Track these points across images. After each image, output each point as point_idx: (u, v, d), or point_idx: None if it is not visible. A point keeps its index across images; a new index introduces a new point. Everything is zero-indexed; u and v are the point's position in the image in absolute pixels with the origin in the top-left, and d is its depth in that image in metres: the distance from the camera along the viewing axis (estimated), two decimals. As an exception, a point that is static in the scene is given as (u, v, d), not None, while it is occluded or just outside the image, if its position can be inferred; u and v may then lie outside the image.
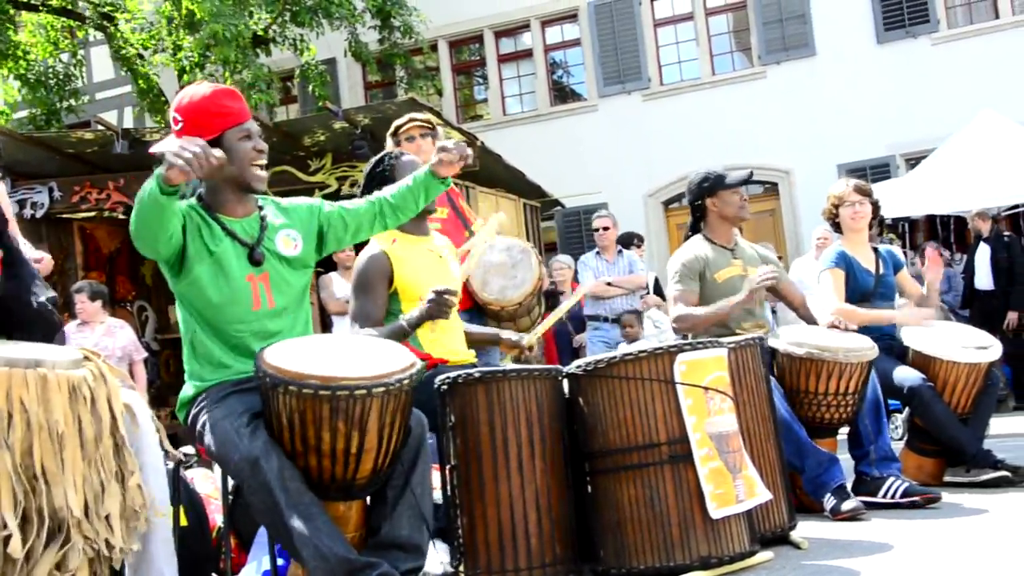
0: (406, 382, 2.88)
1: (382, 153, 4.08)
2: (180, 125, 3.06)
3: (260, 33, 12.53)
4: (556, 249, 14.27)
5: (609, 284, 8.36)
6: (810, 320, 4.83)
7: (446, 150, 3.28)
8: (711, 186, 4.80)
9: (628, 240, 9.21)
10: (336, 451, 2.83)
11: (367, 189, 3.85)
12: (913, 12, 13.35)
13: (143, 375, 8.00)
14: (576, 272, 9.01)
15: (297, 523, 2.74)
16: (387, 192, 3.39)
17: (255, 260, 3.13)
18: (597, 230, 8.66)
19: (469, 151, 3.33)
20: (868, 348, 4.39)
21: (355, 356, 3.04)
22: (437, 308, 3.63)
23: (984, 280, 9.65)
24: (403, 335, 3.65)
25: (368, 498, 3.07)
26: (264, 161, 3.17)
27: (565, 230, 14.57)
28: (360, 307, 3.82)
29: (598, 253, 8.66)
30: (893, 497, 4.26)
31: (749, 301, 4.54)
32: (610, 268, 8.53)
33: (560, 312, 4.67)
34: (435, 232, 4.15)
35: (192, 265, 3.06)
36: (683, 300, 4.68)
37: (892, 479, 4.32)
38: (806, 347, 4.32)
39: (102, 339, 7.45)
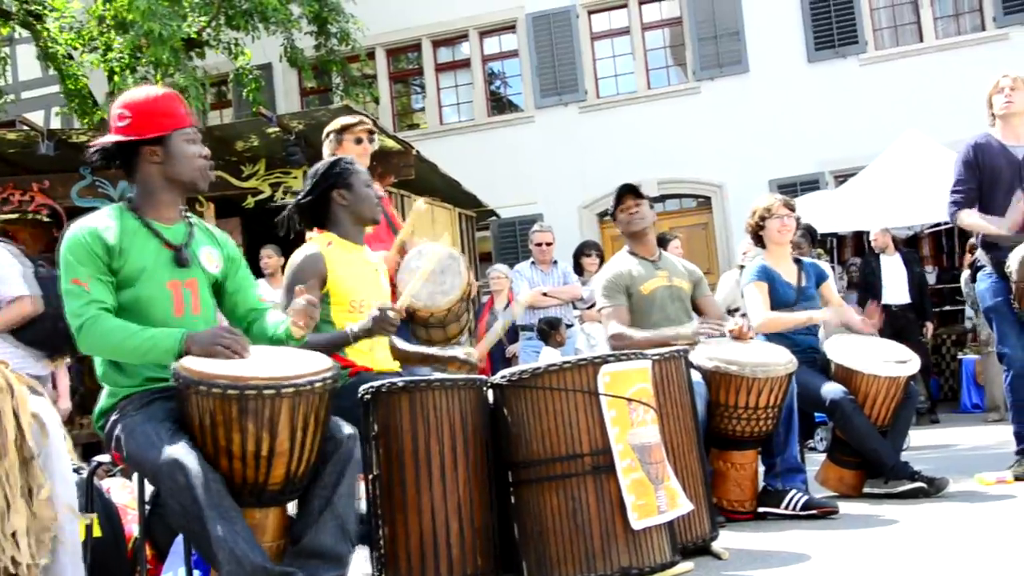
0: (318, 385, 2.86)
1: (337, 156, 4.02)
2: (127, 121, 3.08)
3: (194, 36, 12.34)
4: (491, 259, 14.29)
5: (545, 295, 8.38)
6: (738, 336, 4.78)
7: (300, 314, 3.17)
8: (613, 207, 4.94)
9: (581, 250, 9.22)
10: (247, 453, 2.80)
11: (313, 191, 3.81)
12: (843, 33, 13.66)
13: (66, 382, 7.81)
14: (511, 281, 9.01)
15: (216, 526, 2.70)
16: (267, 315, 3.34)
17: (181, 261, 3.12)
18: (540, 244, 8.68)
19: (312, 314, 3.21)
20: (781, 364, 4.37)
21: (271, 361, 3.02)
22: (381, 325, 3.60)
23: (896, 295, 9.86)
24: (344, 343, 3.61)
25: (291, 508, 3.03)
26: (211, 164, 3.24)
27: (500, 240, 14.60)
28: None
29: (533, 263, 8.68)
30: (794, 509, 4.33)
31: (689, 340, 4.52)
32: (545, 278, 8.56)
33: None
34: (367, 248, 4.09)
35: (115, 267, 3.03)
36: (616, 317, 4.74)
37: (794, 491, 4.39)
38: (716, 361, 4.33)
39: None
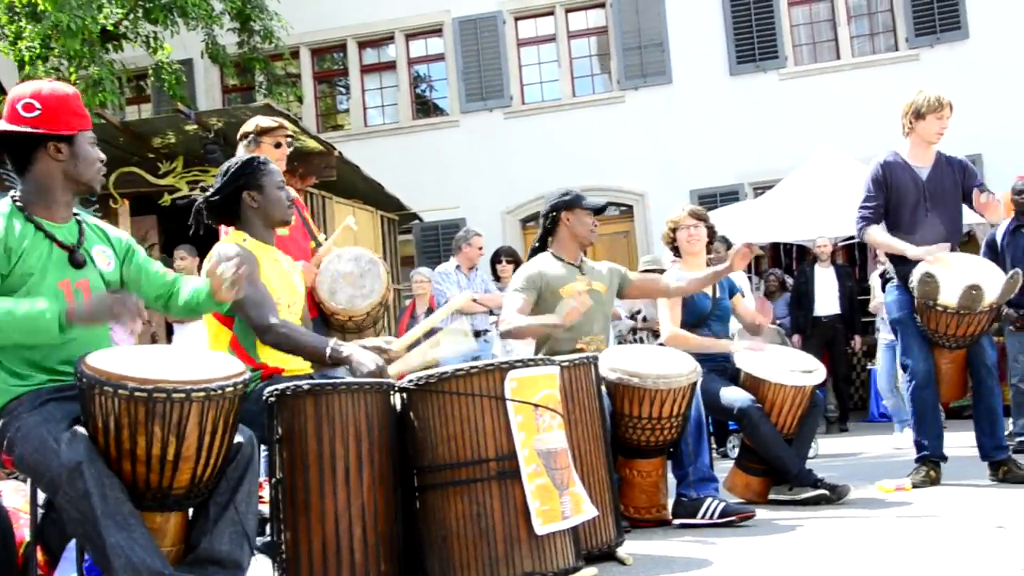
0: (229, 390, 2.83)
1: (251, 156, 3.94)
2: (35, 113, 3.02)
3: (110, 28, 12.05)
4: (413, 263, 14.22)
5: (474, 300, 8.38)
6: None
7: (218, 276, 3.18)
8: (571, 201, 4.86)
9: (497, 256, 9.21)
10: (151, 457, 2.76)
11: (223, 189, 3.74)
12: (763, 48, 13.93)
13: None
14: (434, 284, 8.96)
15: (113, 534, 2.65)
16: (182, 285, 3.33)
17: (76, 262, 3.06)
18: (481, 248, 8.66)
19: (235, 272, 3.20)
20: (684, 374, 4.38)
21: (180, 363, 2.97)
22: (360, 371, 3.51)
23: (827, 306, 10.08)
24: (319, 358, 3.56)
25: (190, 513, 2.98)
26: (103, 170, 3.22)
27: (423, 244, 14.55)
28: (254, 297, 3.57)
29: (458, 267, 8.65)
30: (712, 517, 4.37)
31: (557, 327, 4.50)
32: (469, 283, 8.55)
33: (431, 322, 4.52)
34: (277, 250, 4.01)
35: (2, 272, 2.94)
36: (516, 305, 4.70)
37: (710, 500, 4.43)
38: (618, 372, 4.33)
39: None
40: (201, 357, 3.08)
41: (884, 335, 8.77)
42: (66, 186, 3.10)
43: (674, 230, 5.37)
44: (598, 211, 4.89)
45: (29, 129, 3.01)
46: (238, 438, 2.98)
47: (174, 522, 2.94)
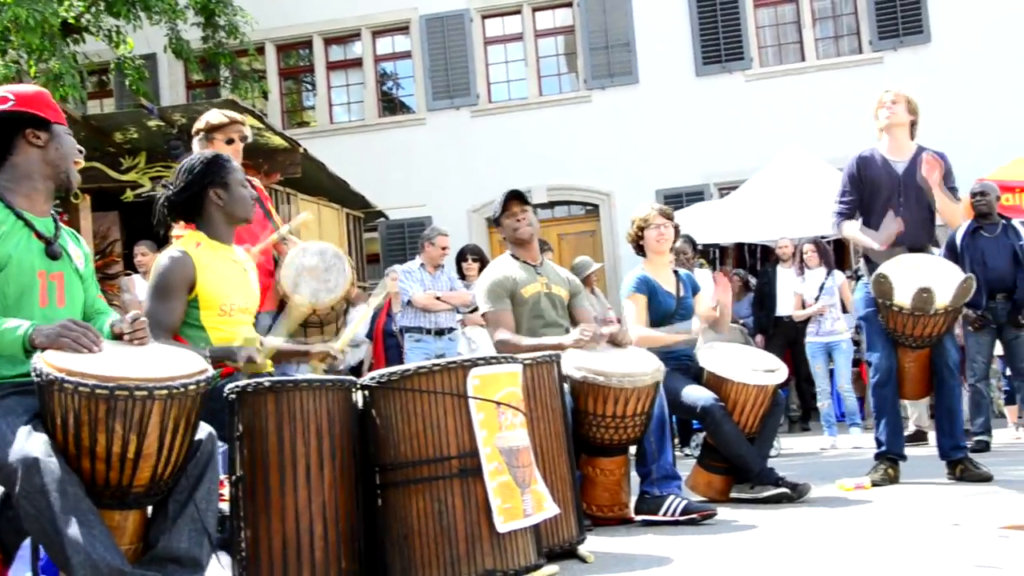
0: (192, 387, 2.80)
1: (215, 153, 3.90)
2: (10, 103, 3.05)
3: (71, 21, 11.90)
4: (379, 260, 14.19)
5: (438, 299, 8.36)
6: (617, 343, 4.76)
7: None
8: (499, 209, 4.93)
9: (462, 254, 9.20)
10: (111, 455, 2.72)
11: (189, 187, 3.70)
12: (729, 49, 14.01)
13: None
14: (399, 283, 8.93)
15: (72, 530, 2.61)
16: (98, 320, 3.25)
17: (53, 254, 3.06)
18: (445, 248, 8.64)
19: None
20: (648, 372, 4.39)
21: (142, 359, 2.93)
22: (247, 364, 3.52)
23: (789, 306, 10.16)
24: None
25: (149, 510, 2.95)
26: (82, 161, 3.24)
27: (388, 242, 14.50)
28: (154, 312, 3.57)
29: (422, 265, 8.62)
30: (673, 515, 4.38)
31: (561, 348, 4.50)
32: (434, 281, 8.53)
33: (366, 315, 4.54)
34: (237, 247, 3.97)
35: None
36: (501, 322, 4.73)
37: (672, 497, 4.44)
38: (583, 371, 4.32)
39: None
40: (164, 354, 3.04)
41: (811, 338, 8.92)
42: (45, 174, 3.10)
43: (642, 228, 5.38)
44: (520, 199, 4.89)
45: (5, 108, 3.02)
46: (199, 435, 2.95)
47: (133, 520, 2.90)
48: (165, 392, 2.74)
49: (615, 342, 4.67)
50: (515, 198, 4.91)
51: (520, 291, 4.80)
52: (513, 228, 4.89)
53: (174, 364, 2.90)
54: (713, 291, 5.52)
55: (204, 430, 2.99)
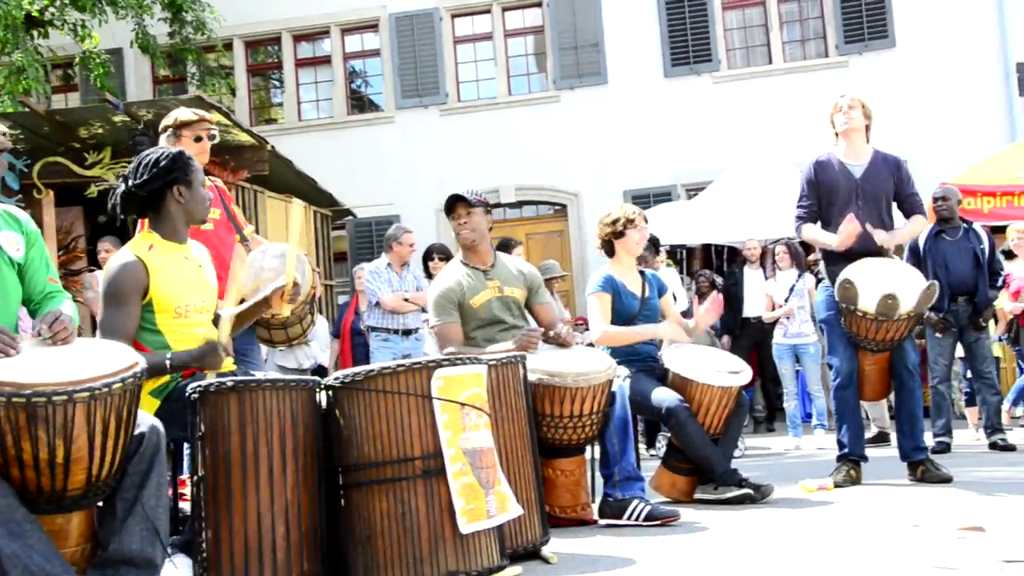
0: (116, 386, 2.74)
1: (179, 149, 3.84)
2: None
3: (35, 15, 11.74)
4: (347, 258, 14.13)
5: (406, 300, 8.34)
6: (561, 343, 4.78)
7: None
8: (447, 212, 4.91)
9: (428, 254, 9.15)
10: (39, 461, 2.66)
11: (152, 182, 3.63)
12: (697, 50, 14.08)
13: None
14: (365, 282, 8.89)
15: (6, 543, 2.56)
16: (47, 305, 3.23)
17: None
18: (412, 245, 8.60)
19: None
20: (602, 370, 4.40)
21: (64, 361, 2.85)
22: (211, 360, 3.50)
23: (756, 307, 10.22)
24: (160, 372, 3.49)
25: (96, 510, 2.90)
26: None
27: (356, 240, 14.44)
28: (109, 319, 3.52)
29: (389, 265, 8.59)
30: (636, 519, 4.38)
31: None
32: (401, 281, 8.50)
33: (256, 301, 4.33)
34: (192, 241, 3.92)
35: None
36: (449, 334, 4.69)
37: (636, 501, 4.43)
38: (538, 373, 4.30)
39: None
40: (88, 353, 2.95)
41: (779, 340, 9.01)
42: None
43: (625, 227, 5.35)
44: (464, 203, 4.82)
45: None
46: (141, 429, 2.89)
47: (77, 521, 2.86)
48: (87, 394, 2.67)
49: (560, 342, 4.69)
50: (458, 201, 4.83)
51: (468, 301, 4.75)
52: (456, 232, 4.86)
53: (97, 363, 2.81)
54: (706, 307, 5.48)
55: (146, 423, 2.93)
